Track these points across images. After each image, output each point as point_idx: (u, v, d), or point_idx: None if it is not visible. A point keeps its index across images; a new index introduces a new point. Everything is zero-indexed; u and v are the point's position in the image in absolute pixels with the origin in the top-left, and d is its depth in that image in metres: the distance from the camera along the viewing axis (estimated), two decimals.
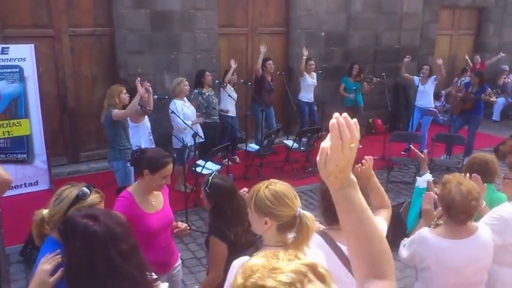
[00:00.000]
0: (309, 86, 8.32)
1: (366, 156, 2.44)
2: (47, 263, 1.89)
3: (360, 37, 9.44)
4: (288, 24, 8.81)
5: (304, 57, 8.10)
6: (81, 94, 7.21)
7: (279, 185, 1.99)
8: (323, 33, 9.05)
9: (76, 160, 7.28)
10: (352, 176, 1.19)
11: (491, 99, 7.57)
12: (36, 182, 6.35)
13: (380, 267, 1.22)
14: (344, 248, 2.16)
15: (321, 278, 0.93)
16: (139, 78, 5.31)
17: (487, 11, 11.26)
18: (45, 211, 2.10)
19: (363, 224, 1.20)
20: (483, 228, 2.50)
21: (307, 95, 8.36)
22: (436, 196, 2.64)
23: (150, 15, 7.26)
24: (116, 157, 5.09)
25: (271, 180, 2.04)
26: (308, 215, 1.93)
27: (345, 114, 1.10)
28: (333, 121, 1.10)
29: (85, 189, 2.08)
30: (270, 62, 7.84)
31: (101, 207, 2.12)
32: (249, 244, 2.73)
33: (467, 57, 10.65)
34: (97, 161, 7.26)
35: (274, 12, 8.68)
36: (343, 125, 1.09)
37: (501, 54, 10.85)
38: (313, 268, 0.93)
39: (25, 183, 6.26)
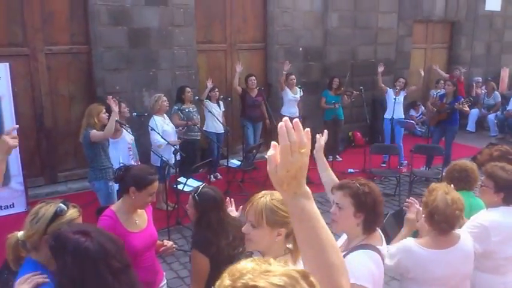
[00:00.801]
0: (289, 100, 8.35)
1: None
2: (25, 283, 1.82)
3: (337, 52, 9.58)
4: (266, 40, 8.88)
5: (285, 72, 8.16)
6: (58, 113, 7.09)
7: (277, 194, 1.96)
8: (301, 49, 9.15)
9: (54, 181, 7.12)
10: (307, 188, 1.18)
11: (465, 108, 7.71)
12: (12, 204, 6.17)
13: (337, 279, 1.19)
14: (381, 249, 2.17)
15: (312, 287, 0.91)
16: (110, 96, 5.22)
17: (459, 25, 11.59)
18: (19, 233, 2.03)
19: (317, 233, 1.18)
20: (465, 236, 2.52)
21: (288, 110, 8.38)
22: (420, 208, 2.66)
23: (128, 32, 7.23)
24: (97, 177, 4.98)
25: (267, 191, 2.01)
26: None
27: (295, 120, 1.13)
28: (280, 124, 1.11)
29: (62, 205, 2.03)
30: (252, 78, 7.88)
31: (79, 221, 2.07)
32: (231, 259, 2.70)
33: (435, 67, 10.82)
34: (75, 181, 7.12)
35: (252, 28, 8.75)
36: (291, 128, 1.10)
37: (462, 69, 11.04)
38: (305, 275, 0.92)
39: (0, 206, 6.08)
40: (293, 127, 1.11)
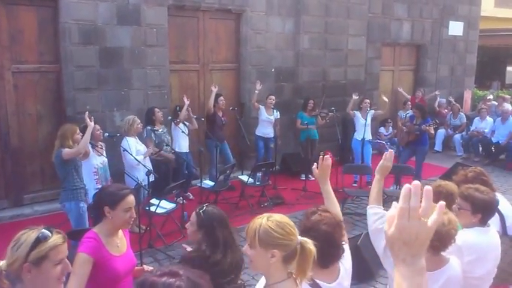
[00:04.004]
0: (264, 121, 8.39)
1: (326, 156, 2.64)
2: None
3: (308, 72, 9.72)
4: (239, 61, 8.93)
5: (257, 91, 8.19)
6: (24, 133, 6.86)
7: (277, 216, 1.99)
8: (273, 69, 9.24)
9: (19, 203, 6.83)
10: (423, 263, 1.11)
11: (430, 131, 7.95)
12: None
13: None
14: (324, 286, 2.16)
15: None
16: (87, 112, 5.14)
17: (424, 48, 12.01)
18: (1, 262, 1.91)
19: None
20: (454, 261, 2.54)
21: (262, 130, 8.41)
22: None
23: (99, 52, 7.12)
24: (68, 197, 4.85)
25: (267, 214, 2.03)
26: (307, 239, 1.94)
27: (428, 187, 1.08)
28: (407, 185, 1.07)
29: (45, 231, 1.93)
30: (222, 98, 7.88)
31: (64, 248, 1.97)
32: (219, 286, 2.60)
33: (400, 90, 11.34)
34: (42, 204, 6.87)
35: (225, 49, 8.79)
36: (416, 193, 1.06)
37: (436, 92, 11.82)
38: None
39: None
40: (423, 193, 1.07)
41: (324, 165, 2.64)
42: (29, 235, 1.92)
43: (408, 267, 1.10)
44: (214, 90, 7.73)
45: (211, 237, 2.64)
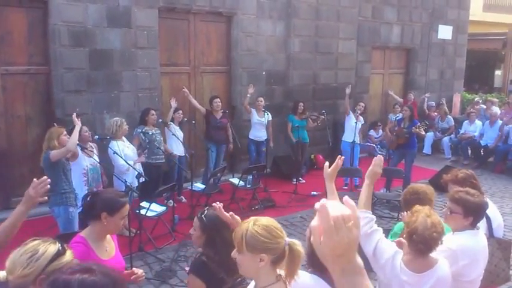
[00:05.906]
0: (255, 124, 8.38)
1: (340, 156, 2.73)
2: None
3: (299, 76, 9.75)
4: (230, 64, 8.93)
5: (249, 95, 8.19)
6: (13, 135, 6.80)
7: (264, 220, 1.99)
8: (264, 72, 9.25)
9: (7, 206, 6.73)
10: (359, 260, 1.04)
11: (421, 132, 8.00)
12: None
13: None
14: None
15: None
16: (75, 113, 5.14)
17: (414, 52, 12.11)
18: (1, 273, 1.87)
19: None
20: (443, 262, 2.56)
21: (254, 133, 8.40)
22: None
23: (89, 54, 7.08)
24: (57, 202, 4.81)
25: (254, 217, 2.03)
26: (295, 240, 1.95)
27: (345, 197, 1.04)
28: (321, 203, 1.01)
29: (61, 245, 1.96)
30: (217, 100, 7.86)
31: (71, 264, 1.97)
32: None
33: (391, 93, 11.45)
34: None
35: (216, 52, 8.79)
36: (331, 206, 1.00)
37: (426, 95, 11.99)
38: None
39: None
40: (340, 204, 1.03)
41: (338, 164, 2.71)
42: (47, 247, 1.91)
43: (350, 273, 1.04)
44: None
45: (215, 240, 2.65)
